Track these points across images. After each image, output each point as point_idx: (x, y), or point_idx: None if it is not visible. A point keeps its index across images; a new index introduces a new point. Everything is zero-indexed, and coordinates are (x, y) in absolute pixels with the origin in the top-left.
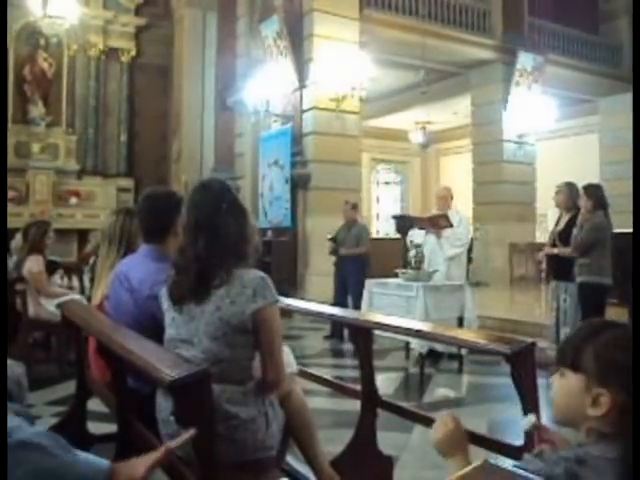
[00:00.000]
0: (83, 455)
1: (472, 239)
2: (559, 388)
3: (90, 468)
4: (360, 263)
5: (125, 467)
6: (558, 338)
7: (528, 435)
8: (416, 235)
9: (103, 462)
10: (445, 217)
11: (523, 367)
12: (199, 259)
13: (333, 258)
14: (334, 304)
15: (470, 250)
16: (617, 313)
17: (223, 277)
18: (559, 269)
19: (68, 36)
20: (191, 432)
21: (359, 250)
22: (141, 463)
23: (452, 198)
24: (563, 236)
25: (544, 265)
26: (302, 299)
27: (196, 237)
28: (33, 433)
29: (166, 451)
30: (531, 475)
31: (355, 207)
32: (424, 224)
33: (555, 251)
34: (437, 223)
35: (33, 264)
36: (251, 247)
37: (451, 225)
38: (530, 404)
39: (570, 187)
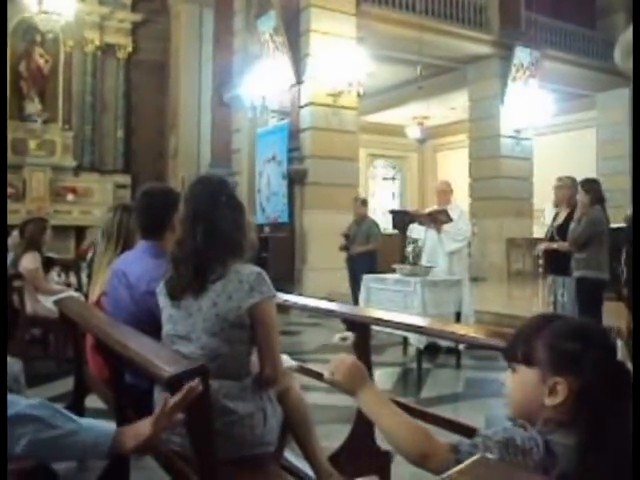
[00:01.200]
0: (86, 422)
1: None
2: (513, 384)
3: (94, 434)
4: (369, 259)
5: (130, 429)
6: None
7: None
8: (415, 230)
9: (107, 427)
10: (444, 212)
11: None
12: (197, 251)
13: (337, 254)
14: (354, 301)
15: (468, 245)
16: (614, 307)
17: (220, 271)
18: (557, 264)
19: (64, 32)
20: (193, 383)
21: (368, 247)
22: (146, 422)
23: (452, 192)
24: (562, 231)
25: (541, 260)
26: (299, 295)
27: (194, 229)
28: (27, 405)
29: (165, 402)
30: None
31: (365, 203)
32: (424, 219)
33: (554, 245)
34: (437, 218)
35: (30, 261)
36: (248, 242)
37: (451, 220)
38: None
39: (573, 182)
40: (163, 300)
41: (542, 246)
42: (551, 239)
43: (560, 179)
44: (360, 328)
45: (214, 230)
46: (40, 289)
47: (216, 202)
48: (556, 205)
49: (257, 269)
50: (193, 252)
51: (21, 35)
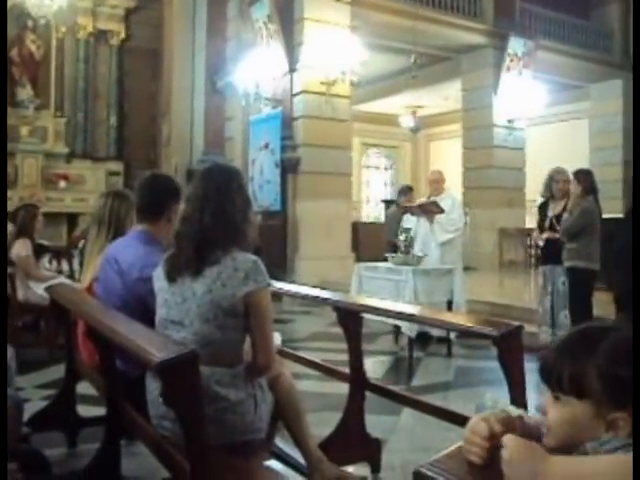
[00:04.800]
0: None
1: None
2: (559, 415)
3: None
4: None
5: None
6: (554, 322)
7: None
8: (408, 220)
9: None
10: (435, 204)
11: (510, 350)
12: (202, 230)
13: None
14: None
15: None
16: (604, 298)
17: (219, 255)
18: (557, 253)
19: (56, 18)
20: None
21: None
22: None
23: (444, 182)
24: (562, 220)
25: (539, 250)
26: (292, 283)
27: (202, 208)
28: None
29: None
30: None
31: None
32: (415, 211)
33: (557, 235)
34: (428, 210)
35: (21, 248)
36: (252, 232)
37: (442, 211)
38: (517, 387)
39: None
40: (159, 283)
41: (545, 235)
42: (551, 228)
43: (562, 172)
44: (351, 316)
45: (222, 212)
46: (31, 276)
47: (229, 187)
48: (560, 197)
49: (253, 257)
50: (198, 230)
51: (13, 21)
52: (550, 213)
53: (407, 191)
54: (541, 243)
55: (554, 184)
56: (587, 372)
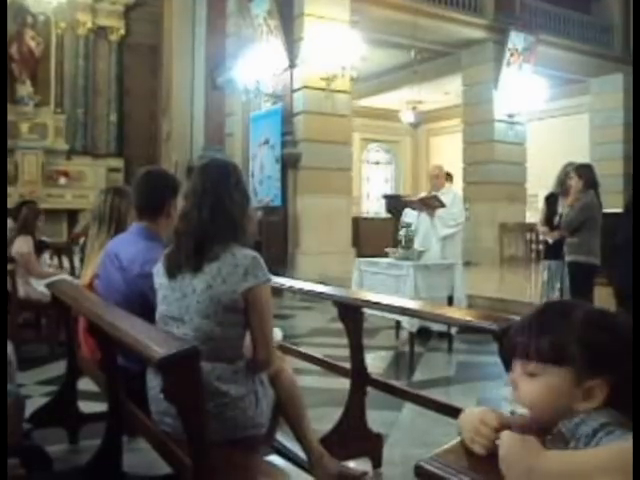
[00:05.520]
0: None
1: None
2: (536, 390)
3: None
4: None
5: None
6: None
7: None
8: (409, 215)
9: None
10: (436, 198)
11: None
12: (201, 226)
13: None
14: None
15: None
16: (605, 293)
17: (219, 250)
18: (561, 249)
19: (56, 14)
20: None
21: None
22: None
23: (445, 176)
24: (563, 215)
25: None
26: (292, 278)
27: (201, 203)
28: None
29: None
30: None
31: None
32: (415, 205)
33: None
34: (428, 204)
35: (22, 245)
36: (251, 227)
37: (443, 205)
38: None
39: None
40: (159, 280)
41: (557, 234)
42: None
43: (568, 165)
44: (352, 311)
45: (221, 207)
46: (33, 273)
47: (227, 182)
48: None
49: (253, 253)
50: (197, 226)
51: (12, 17)
52: (560, 209)
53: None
54: (551, 241)
55: (568, 180)
56: (566, 338)
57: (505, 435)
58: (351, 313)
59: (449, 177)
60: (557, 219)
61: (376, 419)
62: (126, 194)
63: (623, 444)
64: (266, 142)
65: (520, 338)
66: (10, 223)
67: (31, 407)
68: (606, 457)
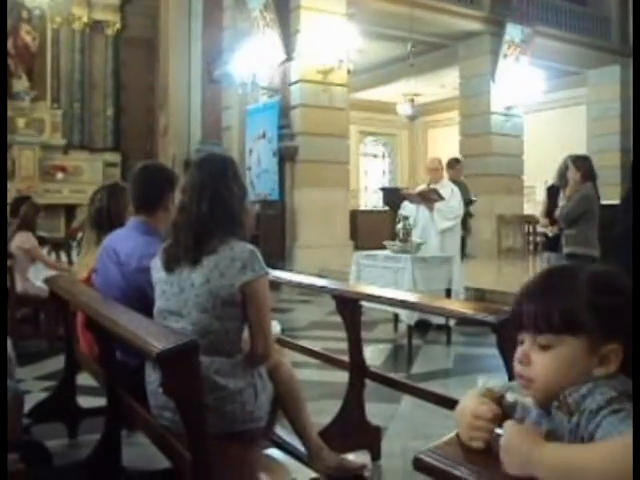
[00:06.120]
0: None
1: (469, 211)
2: (550, 363)
3: None
4: None
5: None
6: None
7: None
8: (407, 208)
9: None
10: (435, 191)
11: (509, 337)
12: (200, 219)
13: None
14: None
15: (465, 223)
16: None
17: (217, 244)
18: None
19: (51, 9)
20: None
21: None
22: None
23: (443, 169)
24: (561, 206)
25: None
26: (290, 271)
27: (200, 197)
28: None
29: None
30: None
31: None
32: (414, 199)
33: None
34: (427, 197)
35: (24, 240)
36: (248, 220)
37: (442, 198)
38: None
39: None
40: (157, 274)
41: (555, 227)
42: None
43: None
44: (350, 304)
45: (219, 200)
46: (47, 264)
47: (225, 175)
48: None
49: (250, 247)
50: (196, 219)
51: (7, 12)
52: (561, 202)
53: (454, 164)
54: (550, 234)
55: (568, 172)
56: (576, 304)
57: (507, 425)
58: (349, 306)
59: (457, 162)
60: (557, 211)
61: (375, 412)
62: (122, 190)
63: (622, 441)
64: (263, 135)
65: (526, 308)
66: (7, 218)
67: (30, 402)
68: (603, 456)
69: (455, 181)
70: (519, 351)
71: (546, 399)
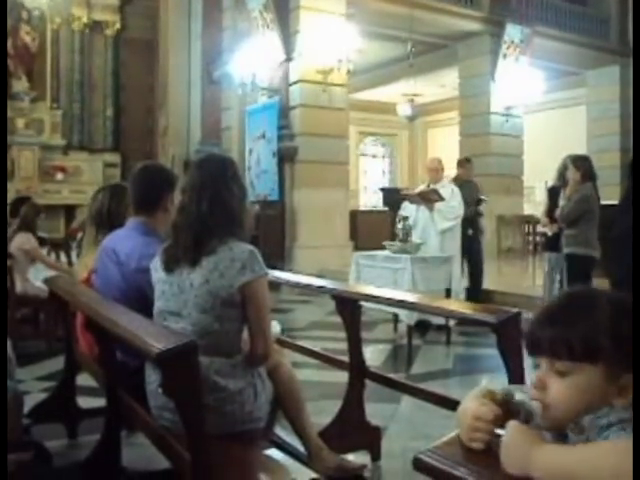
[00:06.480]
0: None
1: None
2: (566, 390)
3: None
4: None
5: None
6: None
7: None
8: (407, 208)
9: None
10: (435, 191)
11: (509, 337)
12: (200, 219)
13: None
14: None
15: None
16: (603, 285)
17: (216, 244)
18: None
19: (51, 9)
20: None
21: None
22: None
23: (443, 170)
24: (560, 207)
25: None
26: (290, 272)
27: (200, 197)
28: None
29: None
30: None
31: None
32: (414, 199)
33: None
34: (427, 198)
35: (24, 241)
36: (248, 221)
37: (442, 199)
38: (515, 374)
39: None
40: (156, 274)
41: (555, 227)
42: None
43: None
44: (350, 304)
45: (219, 200)
46: (49, 265)
47: (224, 175)
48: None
49: (250, 247)
50: (196, 219)
51: (7, 12)
52: (562, 202)
53: (465, 163)
54: (550, 233)
55: (568, 172)
56: (597, 332)
57: (510, 425)
58: (349, 306)
59: (468, 161)
60: (557, 211)
61: (374, 412)
62: (122, 190)
63: (613, 443)
64: (263, 136)
65: (545, 333)
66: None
67: (30, 403)
68: (598, 455)
69: (466, 180)
70: (535, 376)
71: (562, 427)
